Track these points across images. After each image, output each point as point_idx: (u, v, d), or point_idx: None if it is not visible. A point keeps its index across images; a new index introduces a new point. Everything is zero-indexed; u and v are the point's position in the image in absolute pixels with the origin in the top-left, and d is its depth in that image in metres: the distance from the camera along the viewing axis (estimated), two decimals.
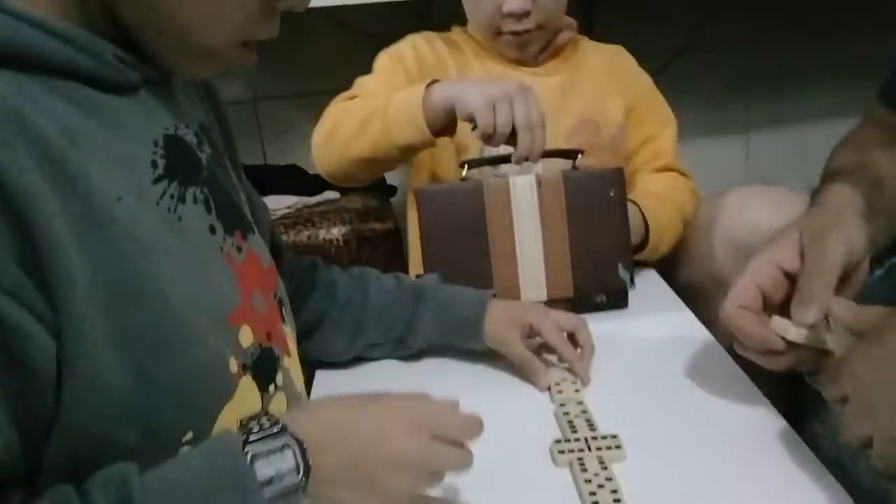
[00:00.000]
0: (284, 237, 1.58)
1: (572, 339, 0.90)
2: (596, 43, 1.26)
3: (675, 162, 1.22)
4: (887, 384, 0.61)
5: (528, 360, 0.87)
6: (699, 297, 1.06)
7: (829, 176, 0.86)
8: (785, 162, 2.07)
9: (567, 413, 0.80)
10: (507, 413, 0.83)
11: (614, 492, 0.67)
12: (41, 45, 0.51)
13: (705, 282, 1.06)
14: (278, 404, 0.67)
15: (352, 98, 1.13)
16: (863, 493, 0.77)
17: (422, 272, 1.01)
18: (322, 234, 1.59)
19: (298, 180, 1.83)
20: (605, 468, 0.71)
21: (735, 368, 0.88)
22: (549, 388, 0.86)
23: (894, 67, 0.95)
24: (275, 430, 0.55)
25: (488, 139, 0.95)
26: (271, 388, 0.66)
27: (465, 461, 0.63)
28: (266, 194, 1.71)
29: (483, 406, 0.82)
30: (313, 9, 1.59)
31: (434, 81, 1.00)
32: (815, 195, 0.85)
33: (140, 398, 0.54)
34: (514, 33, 1.11)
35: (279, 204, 1.68)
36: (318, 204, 1.73)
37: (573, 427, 0.78)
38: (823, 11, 1.99)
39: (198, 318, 0.58)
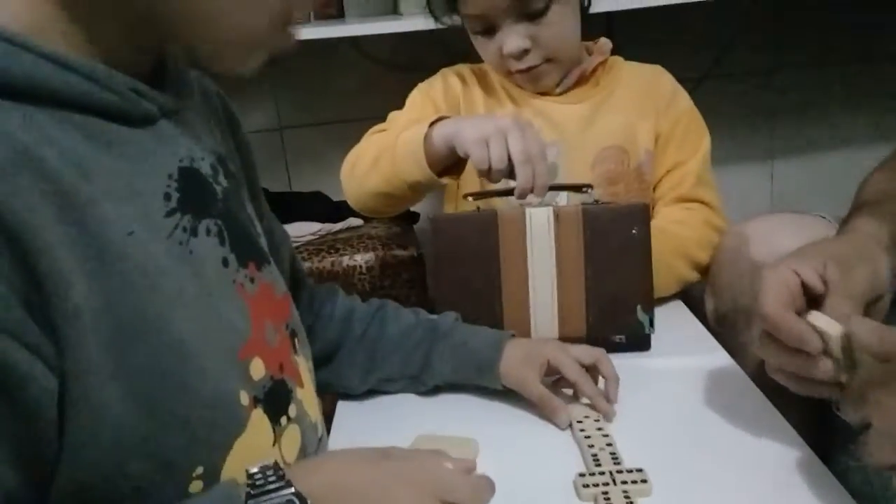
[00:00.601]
0: (308, 264, 1.58)
1: (594, 372, 0.88)
2: (635, 64, 1.24)
3: (695, 191, 1.17)
4: None
5: (547, 398, 0.86)
6: (725, 326, 1.05)
7: (859, 206, 0.85)
8: (810, 189, 2.05)
9: (592, 446, 0.79)
10: (530, 446, 0.82)
11: None
12: (57, 81, 0.51)
13: (731, 312, 1.05)
14: (291, 437, 0.66)
15: (380, 132, 1.15)
16: None
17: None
18: (346, 260, 1.60)
19: (323, 207, 1.84)
20: (631, 502, 0.70)
21: (763, 400, 0.87)
22: (570, 425, 0.85)
23: None
24: (280, 483, 0.52)
25: (486, 175, 0.93)
26: (283, 420, 0.65)
27: None
28: (290, 221, 1.72)
29: (506, 438, 0.82)
30: (338, 39, 1.62)
31: (439, 119, 1.00)
32: (843, 224, 0.84)
33: (148, 433, 0.53)
34: (521, 71, 1.12)
35: (303, 230, 1.69)
36: (342, 231, 1.74)
37: (597, 461, 0.77)
38: (849, 37, 1.98)
39: (208, 353, 0.57)
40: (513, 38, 1.08)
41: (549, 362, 0.87)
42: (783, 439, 0.80)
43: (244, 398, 0.60)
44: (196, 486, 0.56)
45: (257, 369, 0.63)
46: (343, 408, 0.94)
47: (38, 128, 0.50)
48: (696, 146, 1.19)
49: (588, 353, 0.89)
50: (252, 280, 0.66)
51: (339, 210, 1.80)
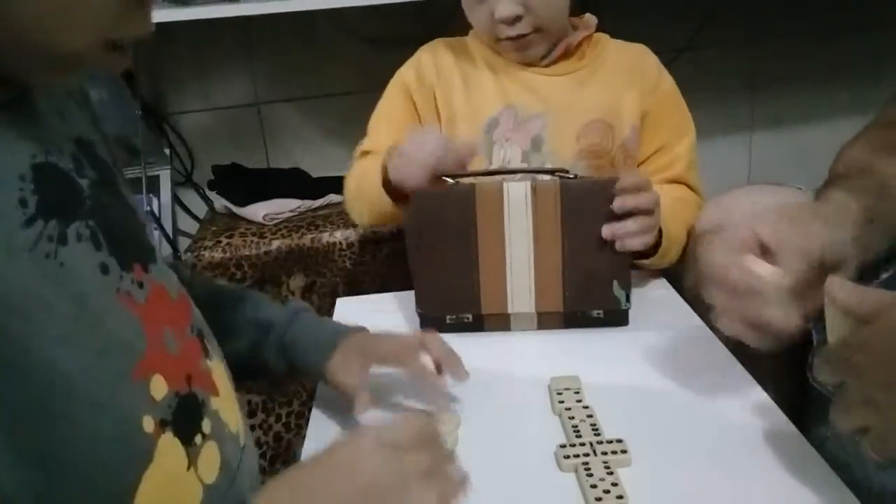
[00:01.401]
0: (288, 241, 1.58)
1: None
2: (620, 42, 1.23)
3: (686, 175, 1.18)
4: (891, 379, 0.58)
5: (355, 388, 0.80)
6: (704, 299, 1.06)
7: (833, 179, 0.85)
8: (788, 161, 2.06)
9: (572, 418, 0.80)
10: (511, 419, 0.83)
11: (620, 497, 0.67)
12: None
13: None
14: (208, 456, 0.60)
15: (364, 153, 1.19)
16: (871, 495, 0.77)
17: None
18: (325, 237, 1.59)
19: (302, 184, 1.83)
20: (611, 473, 0.70)
21: (742, 372, 0.88)
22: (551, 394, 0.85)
23: None
24: None
25: None
26: (198, 439, 0.59)
27: None
28: (269, 198, 1.71)
29: (488, 412, 0.82)
30: (316, 12, 1.60)
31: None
32: (817, 196, 0.84)
33: (41, 489, 0.47)
34: (510, 38, 1.11)
35: (283, 207, 1.68)
36: (322, 207, 1.74)
37: (578, 432, 0.77)
38: (826, 10, 1.99)
39: (97, 382, 0.50)
40: (505, 3, 1.07)
41: (371, 355, 0.82)
42: (761, 410, 0.80)
43: (147, 424, 0.53)
44: None
45: (158, 388, 0.55)
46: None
47: None
48: (683, 129, 1.19)
49: (417, 336, 0.84)
50: (140, 285, 0.58)
51: (318, 186, 1.80)
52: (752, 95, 2.07)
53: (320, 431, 0.84)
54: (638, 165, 1.19)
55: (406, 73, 1.22)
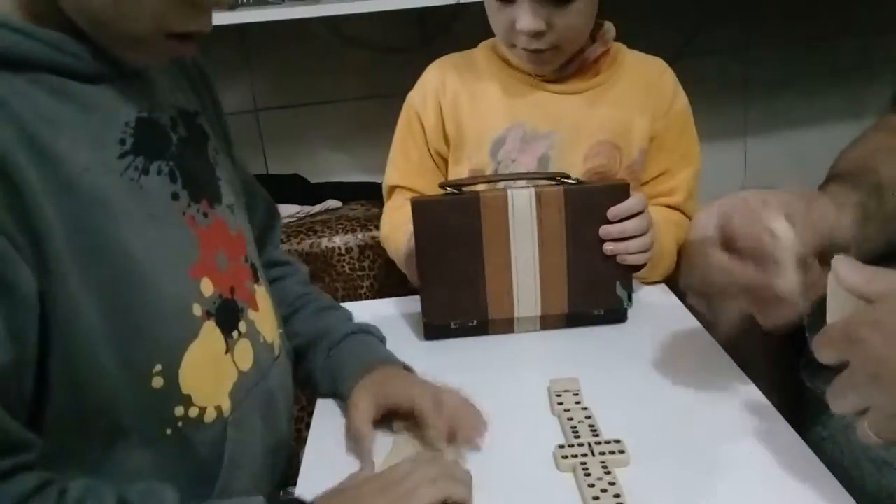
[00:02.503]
0: (287, 246, 1.58)
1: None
2: (638, 55, 1.19)
3: (685, 205, 1.17)
4: None
5: (357, 436, 0.80)
6: (700, 302, 1.06)
7: (833, 176, 0.86)
8: (783, 165, 2.07)
9: (571, 419, 0.80)
10: (510, 418, 0.83)
11: (617, 496, 0.68)
12: (24, 48, 0.61)
13: (705, 286, 1.06)
14: (243, 349, 0.76)
15: (392, 189, 1.24)
16: (867, 495, 0.77)
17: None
18: (324, 242, 1.60)
19: (300, 189, 1.84)
20: (609, 473, 0.71)
21: (738, 373, 0.89)
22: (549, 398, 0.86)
23: None
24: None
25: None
26: (235, 334, 0.75)
27: None
28: None
29: (487, 411, 0.82)
30: (313, 19, 1.61)
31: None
32: (820, 192, 0.84)
33: (112, 333, 0.63)
34: (526, 49, 1.08)
35: (282, 213, 1.69)
36: (321, 213, 1.74)
37: (576, 432, 0.78)
38: (820, 14, 2.00)
39: (159, 270, 0.67)
40: (529, 16, 1.03)
41: (392, 402, 0.82)
42: (758, 411, 0.81)
43: (197, 310, 0.70)
44: (157, 381, 0.66)
45: (206, 287, 0.72)
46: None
47: (12, 86, 0.61)
48: (689, 156, 1.18)
49: (456, 400, 0.82)
50: (205, 215, 0.74)
51: (317, 192, 1.80)
52: (747, 100, 2.08)
53: (321, 436, 0.85)
54: (641, 185, 1.18)
55: (414, 99, 1.20)
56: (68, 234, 0.61)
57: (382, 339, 0.95)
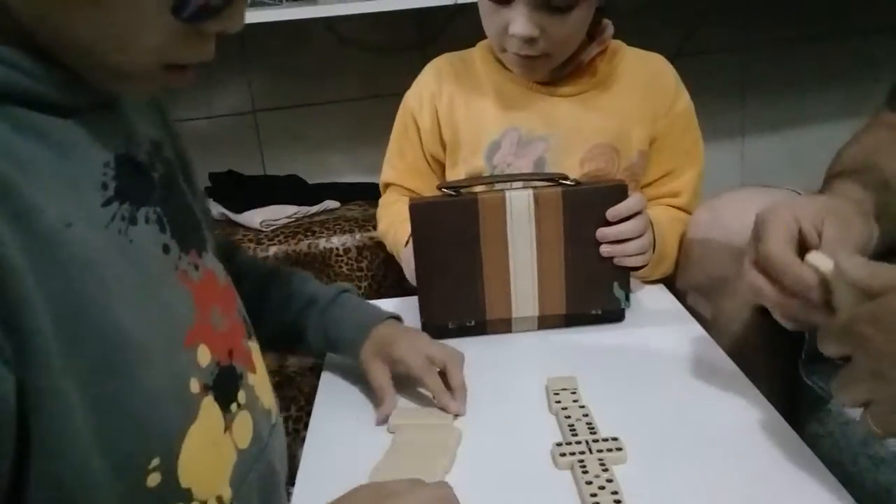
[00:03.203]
0: (284, 247, 1.58)
1: (445, 376, 0.88)
2: (637, 52, 1.17)
3: (689, 206, 1.15)
4: None
5: (379, 388, 0.88)
6: (698, 299, 1.07)
7: (838, 173, 0.85)
8: (780, 165, 2.08)
9: (568, 417, 0.80)
10: (508, 416, 0.83)
11: (615, 493, 0.68)
12: None
13: (703, 285, 1.06)
14: (242, 423, 0.66)
15: (387, 185, 1.26)
16: (864, 492, 0.77)
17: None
18: (322, 243, 1.60)
19: (298, 190, 1.84)
20: (606, 470, 0.71)
21: (735, 370, 0.89)
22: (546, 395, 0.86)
23: None
24: None
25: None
26: (233, 407, 0.65)
27: None
28: (266, 205, 1.72)
29: (486, 410, 0.83)
30: (311, 20, 1.62)
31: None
32: (825, 189, 0.84)
33: (100, 425, 0.52)
34: (517, 55, 1.06)
35: (279, 214, 1.69)
36: (318, 213, 1.74)
37: (574, 430, 0.78)
38: (817, 14, 2.00)
39: (153, 342, 0.56)
40: (523, 22, 1.00)
41: (395, 358, 0.88)
42: (755, 408, 0.81)
43: (194, 385, 0.60)
44: (153, 478, 0.55)
45: (203, 356, 0.62)
46: (327, 378, 0.96)
47: None
48: (693, 156, 1.17)
49: (442, 353, 0.89)
50: (196, 267, 0.65)
51: (314, 193, 1.81)
52: (744, 100, 2.09)
53: (319, 436, 0.85)
54: (642, 187, 1.17)
55: (411, 100, 1.20)
56: (51, 308, 0.49)
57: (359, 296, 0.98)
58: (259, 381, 0.71)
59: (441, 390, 0.86)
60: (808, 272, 0.70)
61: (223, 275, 0.71)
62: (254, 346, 0.73)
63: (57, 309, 0.50)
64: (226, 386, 0.64)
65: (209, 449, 0.61)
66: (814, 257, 0.70)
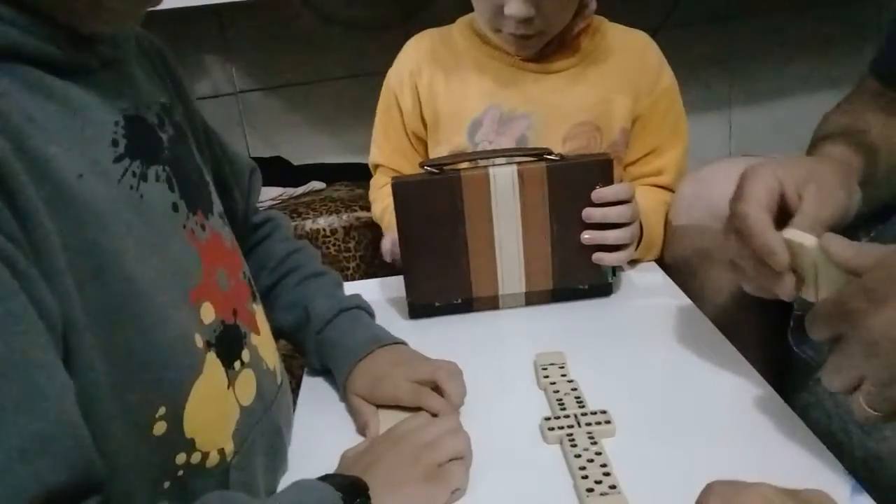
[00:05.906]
0: None
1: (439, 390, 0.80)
2: (621, 29, 1.16)
3: (675, 184, 1.14)
4: (893, 321, 0.57)
5: (363, 424, 0.80)
6: (685, 272, 1.06)
7: (825, 136, 0.85)
8: (768, 135, 2.07)
9: (557, 392, 0.80)
10: (497, 393, 0.83)
11: (604, 466, 0.68)
12: None
13: (690, 256, 1.06)
14: (245, 381, 0.68)
15: (376, 166, 1.26)
16: (855, 460, 0.78)
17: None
18: (308, 224, 1.59)
19: (283, 172, 1.83)
20: (595, 443, 0.71)
21: (723, 341, 0.89)
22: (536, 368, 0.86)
23: (884, 42, 0.94)
24: None
25: None
26: (237, 364, 0.67)
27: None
28: None
29: (472, 386, 0.82)
30: None
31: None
32: (813, 150, 0.84)
33: (111, 372, 0.54)
34: (513, 35, 1.07)
35: (265, 196, 1.68)
36: (304, 195, 1.73)
37: (562, 404, 0.78)
38: None
39: (162, 295, 0.58)
40: (519, 3, 1.01)
41: (382, 399, 0.81)
42: (744, 378, 0.81)
43: (199, 341, 0.61)
44: (160, 427, 0.57)
45: (207, 313, 0.64)
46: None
47: None
48: (677, 133, 1.16)
49: (428, 371, 0.81)
50: (203, 227, 0.67)
51: (300, 174, 1.80)
52: (730, 72, 2.08)
53: (306, 421, 0.84)
54: (626, 166, 1.17)
55: (392, 79, 1.20)
56: (67, 252, 0.52)
57: (371, 313, 0.93)
58: (263, 343, 0.73)
59: (442, 407, 0.78)
60: (776, 239, 0.70)
61: (230, 238, 0.73)
62: (258, 309, 0.75)
63: (71, 254, 0.52)
64: (229, 344, 0.66)
65: (212, 402, 0.63)
66: (791, 233, 0.70)
